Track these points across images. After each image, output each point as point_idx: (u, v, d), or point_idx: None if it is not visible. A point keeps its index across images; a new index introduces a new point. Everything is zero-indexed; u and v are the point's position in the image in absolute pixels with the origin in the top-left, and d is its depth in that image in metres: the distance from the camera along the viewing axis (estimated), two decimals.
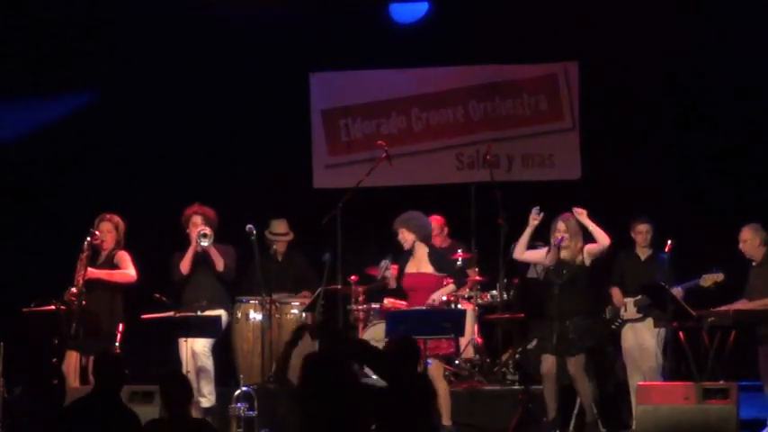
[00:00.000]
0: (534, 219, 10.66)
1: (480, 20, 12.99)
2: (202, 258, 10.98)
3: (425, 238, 10.83)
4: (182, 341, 10.81)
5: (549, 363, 10.53)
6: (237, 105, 13.35)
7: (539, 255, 10.83)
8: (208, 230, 10.83)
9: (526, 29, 13.00)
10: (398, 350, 7.94)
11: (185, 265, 10.95)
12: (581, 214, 10.55)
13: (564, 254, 10.60)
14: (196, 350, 10.87)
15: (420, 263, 10.77)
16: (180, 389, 7.38)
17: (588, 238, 10.66)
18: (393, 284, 11.08)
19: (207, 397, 10.91)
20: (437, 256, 10.83)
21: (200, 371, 10.84)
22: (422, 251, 10.80)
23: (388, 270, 11.01)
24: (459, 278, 11.05)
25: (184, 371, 10.64)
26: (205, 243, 10.85)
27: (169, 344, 10.95)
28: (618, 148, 12.99)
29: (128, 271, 10.83)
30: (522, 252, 10.83)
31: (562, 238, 10.56)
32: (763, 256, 10.76)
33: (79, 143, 13.29)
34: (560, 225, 10.59)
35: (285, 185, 13.23)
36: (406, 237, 10.77)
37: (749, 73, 12.64)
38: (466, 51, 13.37)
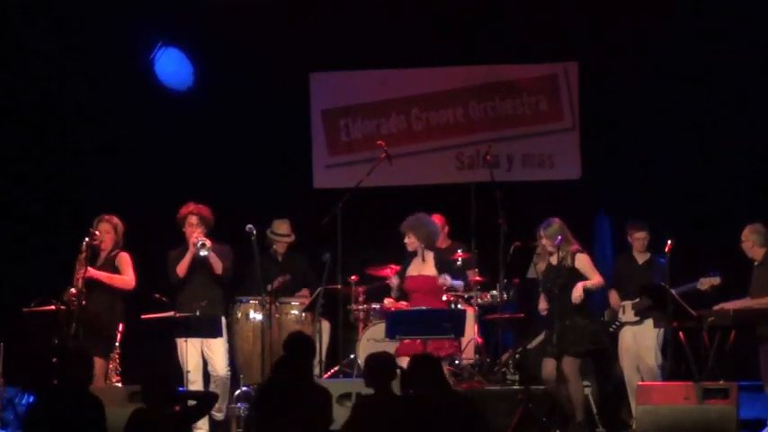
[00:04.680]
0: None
1: (480, 20, 13.00)
2: (199, 261, 10.96)
3: (432, 244, 11.06)
4: (185, 343, 10.79)
5: (549, 366, 10.53)
6: (238, 105, 13.34)
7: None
8: (208, 242, 10.81)
9: (526, 29, 13.00)
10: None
11: (182, 269, 10.94)
12: (576, 290, 10.56)
13: (553, 259, 10.66)
14: (216, 365, 10.87)
15: (424, 266, 10.91)
16: (161, 389, 7.62)
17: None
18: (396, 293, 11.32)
19: (220, 413, 10.88)
20: (442, 261, 11.05)
21: (218, 383, 10.86)
22: (428, 255, 11.06)
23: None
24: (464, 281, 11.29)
25: (184, 370, 10.66)
26: (204, 253, 10.84)
27: (169, 344, 10.95)
28: (618, 148, 13.00)
29: (128, 278, 10.80)
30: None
31: (561, 238, 10.58)
32: (762, 256, 10.77)
33: (79, 142, 13.29)
34: (541, 233, 10.64)
35: (285, 185, 13.23)
36: (412, 241, 11.03)
37: (748, 70, 12.66)
38: (466, 51, 13.37)
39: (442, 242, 12.32)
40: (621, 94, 12.95)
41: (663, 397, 10.10)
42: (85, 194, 12.78)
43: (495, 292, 12.01)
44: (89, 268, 10.60)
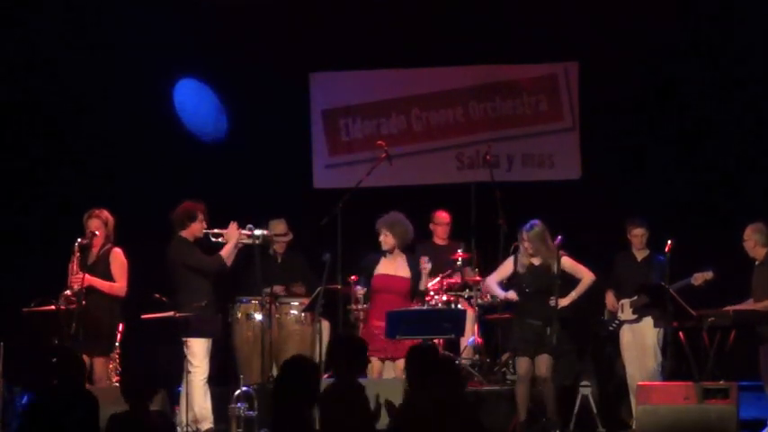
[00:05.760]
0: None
1: (480, 20, 13.00)
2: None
3: (406, 245, 11.11)
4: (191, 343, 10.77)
5: (526, 365, 10.55)
6: (238, 105, 13.34)
7: (504, 271, 10.91)
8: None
9: (526, 29, 13.01)
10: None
11: (230, 259, 10.93)
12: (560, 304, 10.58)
13: (535, 260, 10.66)
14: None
15: (396, 266, 10.94)
16: (138, 386, 7.57)
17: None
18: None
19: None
20: (413, 263, 11.08)
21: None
22: (400, 256, 11.12)
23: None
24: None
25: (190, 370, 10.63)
26: (252, 242, 10.95)
27: (169, 344, 10.93)
28: (618, 148, 13.00)
29: (120, 285, 10.75)
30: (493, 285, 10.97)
31: (561, 238, 10.59)
32: (764, 256, 10.77)
33: (78, 141, 13.29)
34: (524, 235, 10.65)
35: (285, 185, 13.23)
36: (387, 240, 11.09)
37: (748, 72, 12.67)
38: (466, 51, 13.37)
39: (443, 240, 12.34)
40: (621, 94, 12.95)
41: (663, 397, 10.11)
42: (84, 192, 12.77)
43: None
44: (86, 275, 10.54)
